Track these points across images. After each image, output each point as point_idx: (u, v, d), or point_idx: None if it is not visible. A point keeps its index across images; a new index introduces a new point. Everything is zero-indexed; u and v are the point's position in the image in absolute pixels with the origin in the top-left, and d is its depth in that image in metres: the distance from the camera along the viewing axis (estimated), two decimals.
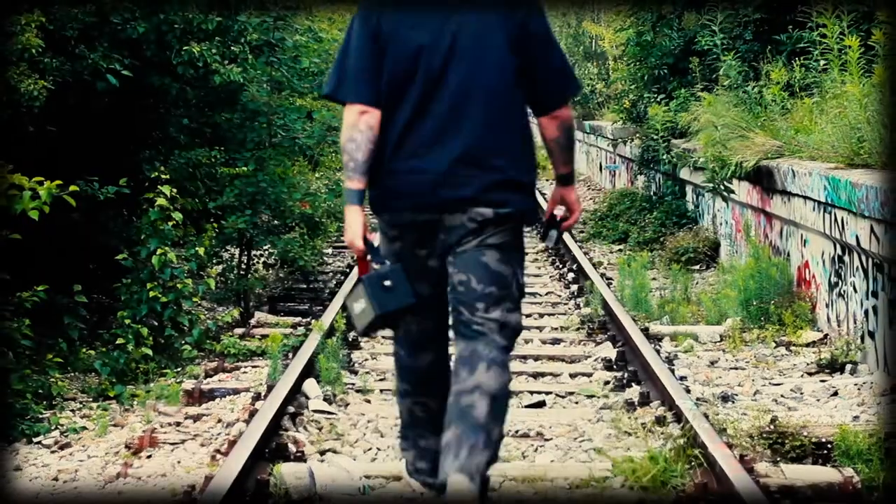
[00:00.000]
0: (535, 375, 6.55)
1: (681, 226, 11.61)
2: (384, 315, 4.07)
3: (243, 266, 8.64)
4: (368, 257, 4.05)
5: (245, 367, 6.67)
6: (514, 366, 6.75)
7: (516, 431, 5.40)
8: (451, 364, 4.20)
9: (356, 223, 4.07)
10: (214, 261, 8.11)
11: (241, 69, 7.50)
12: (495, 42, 4.14)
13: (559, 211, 4.37)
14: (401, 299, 4.06)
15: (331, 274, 9.92)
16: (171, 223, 6.82)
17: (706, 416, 5.11)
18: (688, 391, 5.73)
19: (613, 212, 13.30)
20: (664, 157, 11.77)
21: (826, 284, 7.26)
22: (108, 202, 6.57)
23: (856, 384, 6.10)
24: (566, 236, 11.25)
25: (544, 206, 4.55)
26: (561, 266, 10.52)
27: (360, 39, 4.16)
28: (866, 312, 6.49)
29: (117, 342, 6.47)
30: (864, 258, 6.52)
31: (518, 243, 4.32)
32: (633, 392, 5.93)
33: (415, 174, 4.12)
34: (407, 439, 4.32)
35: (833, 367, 6.49)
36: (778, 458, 4.83)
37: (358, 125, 4.08)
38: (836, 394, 6.01)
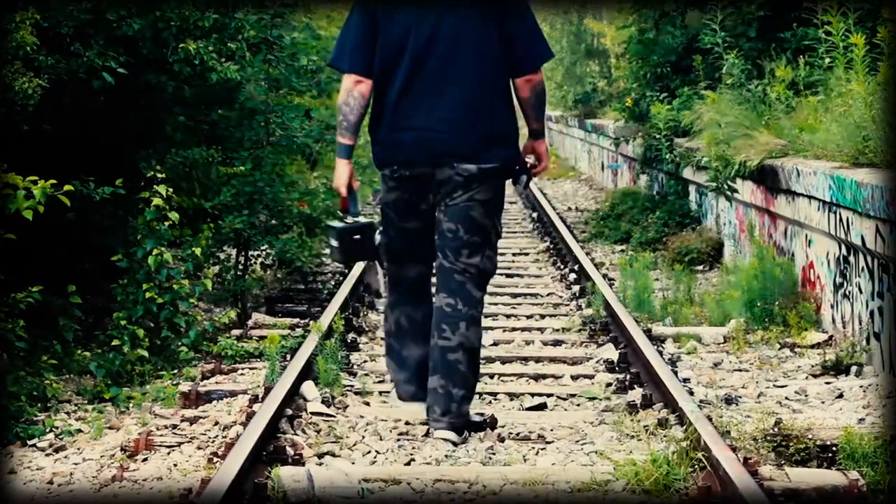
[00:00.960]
0: (537, 377, 6.50)
1: (684, 226, 11.57)
2: (349, 261, 5.96)
3: (240, 266, 8.60)
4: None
5: (242, 368, 6.62)
6: (515, 367, 6.73)
7: (517, 434, 5.36)
8: (433, 284, 5.23)
9: (344, 174, 5.14)
10: (211, 261, 8.06)
11: (239, 67, 7.45)
12: (477, 17, 4.96)
13: (530, 159, 5.27)
14: (365, 254, 5.26)
15: (329, 274, 9.87)
16: (167, 223, 6.77)
17: (709, 418, 5.07)
18: (691, 393, 5.68)
19: (616, 211, 13.26)
20: (667, 156, 11.73)
21: (831, 285, 7.20)
22: (103, 202, 6.52)
23: (861, 386, 6.06)
24: (570, 239, 11.21)
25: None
26: (563, 266, 10.47)
27: (358, 19, 5.06)
28: (872, 313, 6.44)
29: (113, 344, 6.43)
30: (869, 258, 6.46)
31: (499, 197, 5.19)
32: (636, 394, 5.88)
33: (409, 131, 5.02)
34: (392, 351, 5.36)
35: (838, 368, 6.44)
36: (782, 461, 4.79)
37: (353, 92, 5.04)
38: (841, 396, 5.97)
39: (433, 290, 5.29)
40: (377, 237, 5.24)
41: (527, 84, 5.05)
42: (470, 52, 4.97)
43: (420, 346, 5.27)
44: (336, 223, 5.26)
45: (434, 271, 5.29)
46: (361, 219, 5.23)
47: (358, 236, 5.18)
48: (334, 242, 5.25)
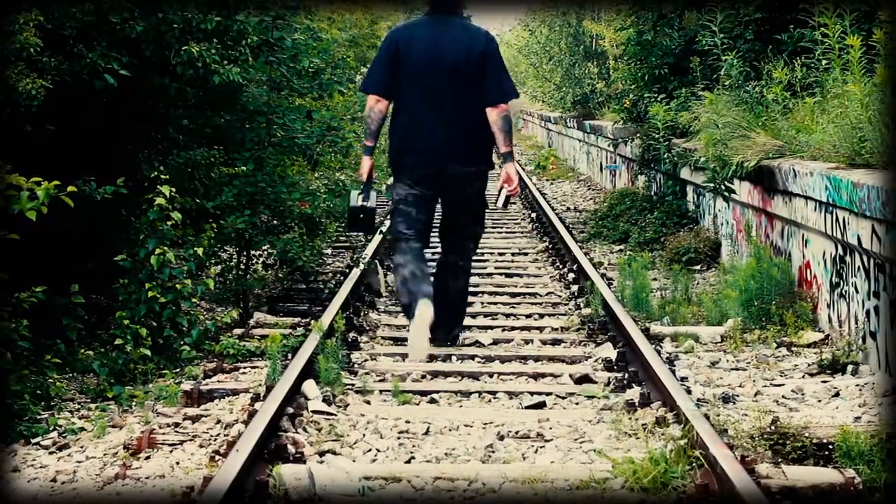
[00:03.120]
0: (536, 376, 6.53)
1: (681, 226, 11.60)
2: (351, 230, 8.14)
3: (242, 266, 8.62)
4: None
5: (244, 367, 6.65)
6: (514, 366, 6.78)
7: (516, 432, 5.39)
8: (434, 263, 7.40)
9: (366, 166, 7.05)
10: (213, 261, 8.08)
11: (241, 69, 7.47)
12: (470, 59, 6.90)
13: (503, 182, 7.08)
14: (363, 228, 7.20)
15: (330, 274, 9.90)
16: (169, 223, 6.80)
17: (707, 416, 5.10)
18: (689, 392, 5.72)
19: (614, 212, 13.28)
20: (665, 156, 11.75)
21: (827, 285, 7.24)
22: (106, 202, 6.54)
23: (857, 385, 6.09)
24: (569, 239, 11.25)
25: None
26: (561, 266, 10.50)
27: (382, 55, 7.03)
28: (868, 313, 6.48)
29: (116, 343, 6.45)
30: (865, 258, 6.50)
31: (485, 184, 7.23)
32: (634, 393, 5.92)
33: (424, 144, 6.93)
34: (409, 292, 6.92)
35: (834, 367, 6.47)
36: (779, 459, 4.83)
37: (374, 108, 6.97)
38: (837, 394, 6.00)
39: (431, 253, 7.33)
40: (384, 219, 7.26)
41: (493, 111, 6.90)
42: (463, 89, 6.88)
43: (426, 284, 6.96)
44: (353, 202, 7.04)
45: (428, 246, 7.27)
46: (369, 202, 7.01)
47: (362, 216, 7.01)
48: (349, 215, 7.10)
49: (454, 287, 7.26)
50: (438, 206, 7.22)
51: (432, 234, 7.39)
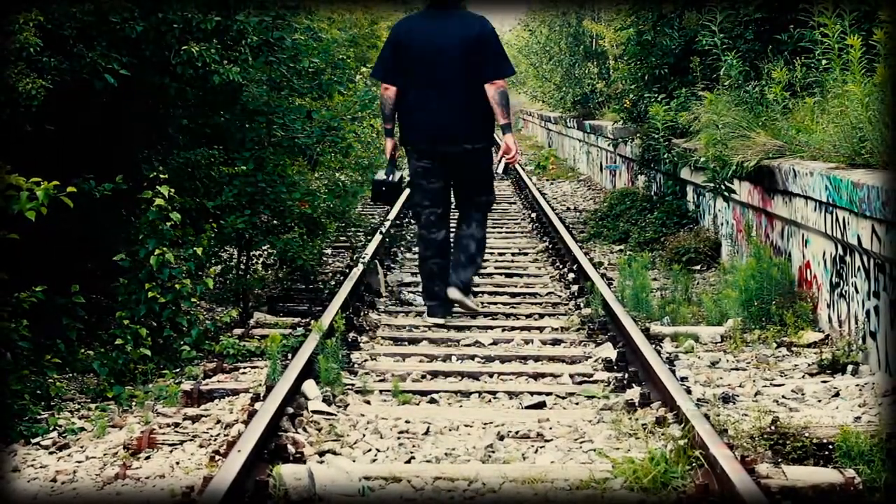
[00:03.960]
0: (535, 376, 6.53)
1: (681, 226, 11.59)
2: (375, 201, 8.30)
3: (242, 266, 8.62)
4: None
5: (244, 367, 6.65)
6: (514, 366, 6.78)
7: (516, 432, 5.39)
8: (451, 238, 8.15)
9: (389, 146, 8.08)
10: (213, 261, 8.08)
11: (241, 69, 7.47)
12: (463, 45, 7.72)
13: (505, 155, 8.02)
14: (387, 199, 8.17)
15: (330, 274, 9.90)
16: (168, 223, 6.80)
17: (707, 416, 5.10)
18: (689, 392, 5.72)
19: (614, 212, 13.28)
20: (665, 156, 11.75)
21: (827, 285, 7.24)
22: (106, 202, 6.53)
23: (857, 385, 6.09)
24: (569, 239, 11.24)
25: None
26: (561, 266, 10.50)
27: (388, 46, 7.98)
28: (868, 313, 6.48)
29: (116, 343, 6.45)
30: (865, 258, 6.50)
31: (489, 157, 8.10)
32: (634, 393, 5.92)
33: (426, 122, 7.81)
34: (429, 290, 8.00)
35: (834, 367, 6.47)
36: (779, 459, 4.83)
37: (384, 95, 7.94)
38: (837, 394, 6.00)
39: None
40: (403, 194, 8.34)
41: (491, 86, 7.75)
42: (461, 72, 7.71)
43: (444, 279, 8.00)
44: (377, 177, 8.04)
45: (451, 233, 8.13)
46: (397, 176, 8.02)
47: (384, 188, 7.99)
48: (373, 188, 8.04)
49: (467, 233, 8.04)
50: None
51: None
